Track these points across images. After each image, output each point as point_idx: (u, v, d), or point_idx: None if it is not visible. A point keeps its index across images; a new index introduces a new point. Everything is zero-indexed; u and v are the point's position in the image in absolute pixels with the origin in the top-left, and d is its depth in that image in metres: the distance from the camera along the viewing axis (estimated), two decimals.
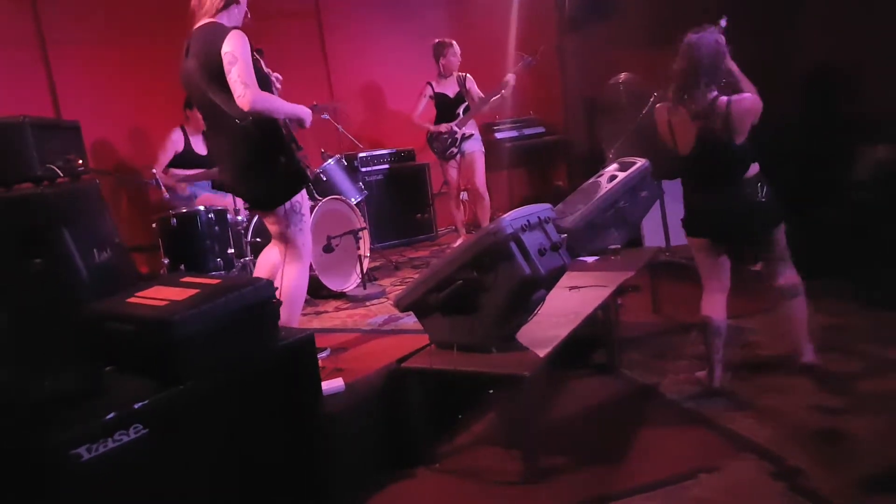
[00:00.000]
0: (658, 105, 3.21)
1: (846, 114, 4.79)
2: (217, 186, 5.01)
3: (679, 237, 5.58)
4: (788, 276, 3.08)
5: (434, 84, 5.78)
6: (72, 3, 5.30)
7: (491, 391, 3.29)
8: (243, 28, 2.87)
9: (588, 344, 3.74)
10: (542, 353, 2.69)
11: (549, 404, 3.24)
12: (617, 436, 2.87)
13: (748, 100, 2.93)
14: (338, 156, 5.33)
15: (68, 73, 5.32)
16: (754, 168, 3.02)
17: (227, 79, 2.70)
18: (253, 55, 2.80)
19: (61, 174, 3.37)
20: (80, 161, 3.61)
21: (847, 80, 4.80)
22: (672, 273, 4.93)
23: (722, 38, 3.00)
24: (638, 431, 2.89)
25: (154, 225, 4.64)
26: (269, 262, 3.15)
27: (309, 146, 6.08)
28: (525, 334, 2.89)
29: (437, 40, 5.75)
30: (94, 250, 3.35)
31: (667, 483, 2.46)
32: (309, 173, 3.02)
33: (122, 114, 5.56)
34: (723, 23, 3.10)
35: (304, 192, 3.03)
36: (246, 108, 2.68)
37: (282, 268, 3.02)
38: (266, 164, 2.89)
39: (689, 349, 3.69)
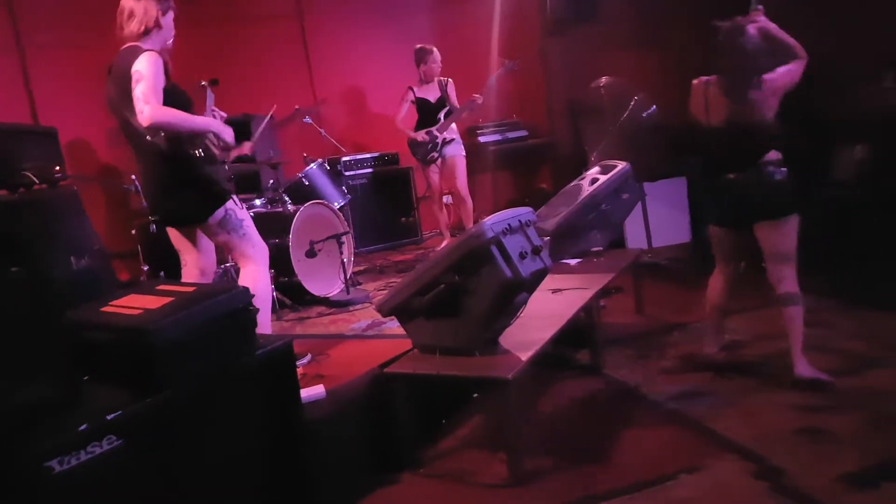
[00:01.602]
0: (696, 81, 3.26)
1: (825, 114, 4.84)
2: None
3: (661, 238, 5.64)
4: (789, 282, 3.10)
5: (415, 89, 5.78)
6: (49, 9, 5.26)
7: (475, 394, 3.28)
8: (161, 50, 2.89)
9: (572, 345, 3.74)
10: (524, 355, 2.69)
11: (534, 406, 3.24)
12: (601, 437, 2.87)
13: (779, 78, 3.00)
14: (320, 160, 5.30)
15: (46, 79, 5.27)
16: (775, 154, 3.08)
17: (133, 96, 2.72)
18: (200, 84, 2.88)
19: (38, 181, 3.35)
20: (58, 167, 3.58)
21: (826, 80, 4.85)
22: (655, 274, 4.96)
23: (756, 36, 3.05)
24: (622, 432, 2.89)
25: (134, 231, 4.61)
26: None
27: (292, 150, 6.09)
28: (508, 337, 2.89)
29: (417, 46, 5.75)
30: (73, 257, 3.32)
31: (650, 484, 2.46)
32: (229, 187, 3.04)
33: (102, 119, 5.51)
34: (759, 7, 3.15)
35: (232, 200, 3.00)
36: (145, 124, 2.71)
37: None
38: (181, 179, 2.92)
39: (672, 350, 3.70)
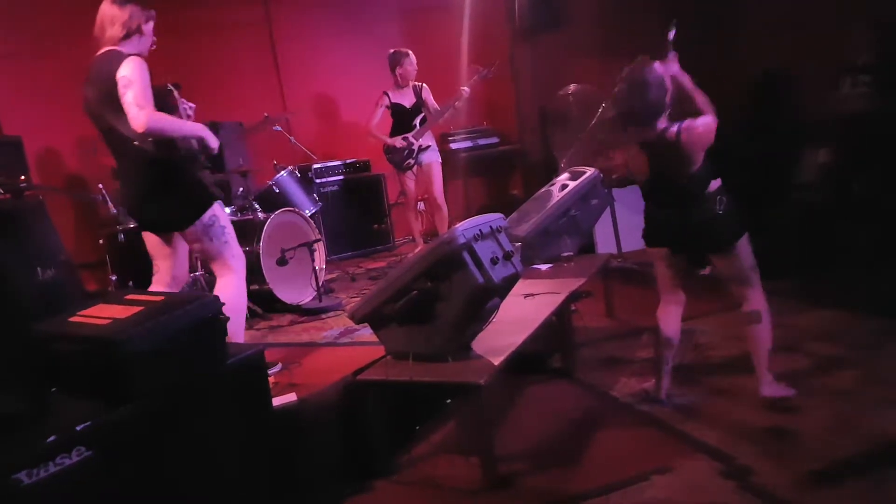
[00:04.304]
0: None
1: (790, 119, 4.96)
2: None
3: (630, 243, 5.71)
4: (754, 301, 2.98)
5: (390, 94, 5.74)
6: (10, 18, 5.17)
7: (448, 400, 3.29)
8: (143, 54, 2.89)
9: (544, 350, 3.77)
10: (496, 360, 2.71)
11: (507, 411, 3.26)
12: (573, 440, 2.90)
13: (699, 127, 2.82)
14: (291, 167, 5.29)
15: (10, 88, 5.18)
16: (715, 183, 2.92)
17: (122, 102, 2.71)
18: (166, 87, 2.87)
19: (2, 191, 3.29)
20: (23, 177, 3.53)
21: (790, 85, 4.97)
22: (624, 278, 5.02)
23: (661, 73, 2.89)
24: (594, 435, 2.92)
25: (101, 241, 4.55)
26: None
27: (262, 158, 6.06)
28: (481, 342, 2.90)
29: (392, 50, 5.73)
30: (39, 268, 3.27)
31: (622, 485, 2.49)
32: (216, 191, 3.02)
33: (66, 128, 5.44)
34: (671, 35, 3.06)
35: (217, 206, 3.01)
36: (140, 130, 2.69)
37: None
38: (169, 183, 2.91)
39: (642, 353, 3.75)
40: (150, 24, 2.97)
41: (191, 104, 3.13)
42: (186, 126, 2.91)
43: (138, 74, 2.73)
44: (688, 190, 2.92)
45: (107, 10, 2.89)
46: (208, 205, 2.95)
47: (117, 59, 2.78)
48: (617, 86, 2.99)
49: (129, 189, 3.03)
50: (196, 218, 2.92)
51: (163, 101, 2.85)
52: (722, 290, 3.39)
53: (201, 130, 2.93)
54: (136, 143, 2.81)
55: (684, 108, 2.92)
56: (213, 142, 2.95)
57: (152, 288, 3.19)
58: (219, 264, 3.03)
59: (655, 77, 2.88)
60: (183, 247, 3.13)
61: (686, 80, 2.94)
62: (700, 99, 2.92)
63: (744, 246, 2.96)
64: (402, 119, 5.74)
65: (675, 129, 2.85)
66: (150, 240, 3.12)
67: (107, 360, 1.87)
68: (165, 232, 3.07)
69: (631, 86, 2.92)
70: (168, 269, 3.13)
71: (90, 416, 1.78)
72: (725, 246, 2.96)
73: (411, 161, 5.71)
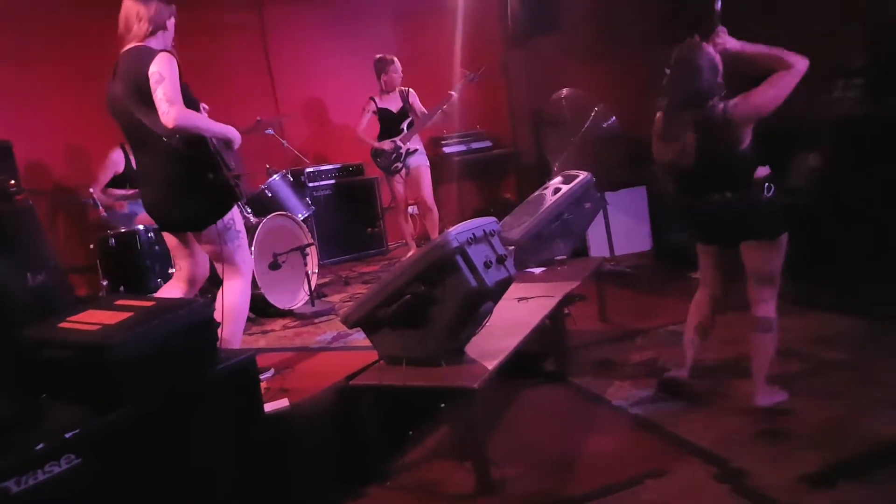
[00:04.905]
0: (658, 114, 3.00)
1: (782, 122, 4.96)
2: None
3: (623, 246, 5.72)
4: (767, 307, 2.95)
5: (377, 99, 5.79)
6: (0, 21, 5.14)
7: (442, 405, 3.28)
8: (172, 50, 2.88)
9: (538, 353, 3.76)
10: (490, 364, 2.70)
11: (501, 415, 3.25)
12: (567, 443, 2.89)
13: (752, 100, 2.74)
14: (283, 171, 5.27)
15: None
16: (763, 170, 2.87)
17: (154, 97, 2.70)
18: (182, 81, 2.82)
19: None
20: (13, 181, 3.51)
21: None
22: (617, 281, 5.03)
23: (712, 54, 2.82)
24: (587, 438, 2.92)
25: (92, 245, 4.53)
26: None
27: (254, 162, 6.03)
28: (474, 346, 2.89)
29: (378, 56, 5.77)
30: (29, 273, 3.24)
31: (616, 489, 2.48)
32: (239, 192, 3.00)
33: (57, 132, 5.43)
34: (717, 6, 2.97)
35: (236, 209, 3.00)
36: (170, 126, 2.68)
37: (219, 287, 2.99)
38: (193, 181, 2.88)
39: (636, 356, 3.75)
40: (173, 21, 2.97)
41: (204, 105, 3.11)
42: (216, 125, 2.88)
43: (168, 70, 2.71)
44: (735, 171, 2.84)
45: (132, 7, 2.87)
46: (230, 207, 2.94)
47: (147, 54, 2.77)
48: (667, 70, 2.89)
49: (151, 186, 2.99)
50: (216, 219, 2.90)
51: (188, 98, 2.82)
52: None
53: (231, 132, 2.92)
54: (164, 139, 2.78)
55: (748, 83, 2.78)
56: (237, 143, 2.96)
57: (169, 286, 3.18)
58: (228, 268, 3.01)
59: (706, 59, 2.80)
60: (200, 247, 3.11)
61: (746, 47, 2.83)
62: (767, 58, 2.79)
63: (782, 242, 2.91)
64: (389, 124, 5.77)
65: (721, 106, 2.77)
66: (170, 240, 3.11)
67: (96, 365, 1.85)
68: (182, 231, 3.05)
69: (681, 69, 2.84)
70: (188, 268, 3.11)
71: (79, 424, 1.76)
72: (771, 234, 2.89)
73: (399, 164, 5.73)
